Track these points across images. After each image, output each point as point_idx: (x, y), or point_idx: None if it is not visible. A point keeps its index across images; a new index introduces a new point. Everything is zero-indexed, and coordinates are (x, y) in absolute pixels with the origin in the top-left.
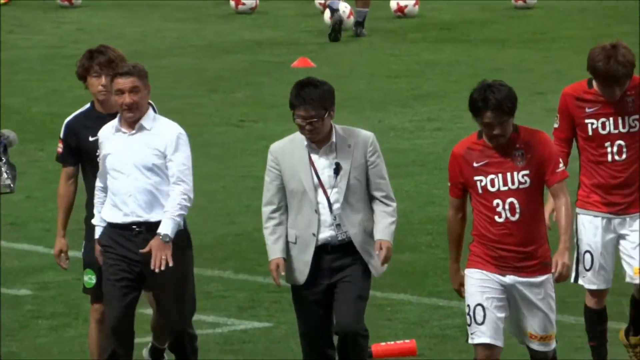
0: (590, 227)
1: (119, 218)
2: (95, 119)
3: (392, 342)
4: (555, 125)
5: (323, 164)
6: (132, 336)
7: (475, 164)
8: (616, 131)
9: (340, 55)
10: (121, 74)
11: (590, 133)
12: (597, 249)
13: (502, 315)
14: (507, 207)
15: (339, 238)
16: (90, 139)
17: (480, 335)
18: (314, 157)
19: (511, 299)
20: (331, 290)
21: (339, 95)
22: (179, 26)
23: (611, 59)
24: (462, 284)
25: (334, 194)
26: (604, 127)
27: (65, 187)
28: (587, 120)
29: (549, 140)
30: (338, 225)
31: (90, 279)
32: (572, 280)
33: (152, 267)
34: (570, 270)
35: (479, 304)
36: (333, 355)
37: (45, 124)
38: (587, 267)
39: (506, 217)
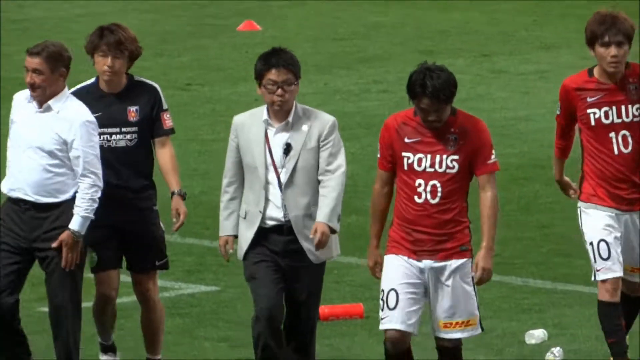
0: (598, 218)
1: (7, 188)
2: (98, 98)
3: (340, 305)
4: (557, 112)
5: (277, 142)
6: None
7: (406, 140)
8: (619, 120)
9: (285, 18)
10: (30, 53)
11: (593, 123)
12: (609, 237)
13: (416, 301)
14: (428, 188)
15: (284, 219)
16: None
17: (391, 320)
18: (270, 134)
19: (428, 286)
20: (281, 271)
21: None
22: None
23: (614, 18)
24: (377, 262)
25: (283, 174)
26: (607, 117)
27: None
28: (589, 110)
29: (486, 130)
30: (285, 206)
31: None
32: (593, 278)
33: (62, 265)
34: (491, 273)
35: (392, 289)
36: (280, 324)
37: None
38: (605, 257)
39: (426, 199)
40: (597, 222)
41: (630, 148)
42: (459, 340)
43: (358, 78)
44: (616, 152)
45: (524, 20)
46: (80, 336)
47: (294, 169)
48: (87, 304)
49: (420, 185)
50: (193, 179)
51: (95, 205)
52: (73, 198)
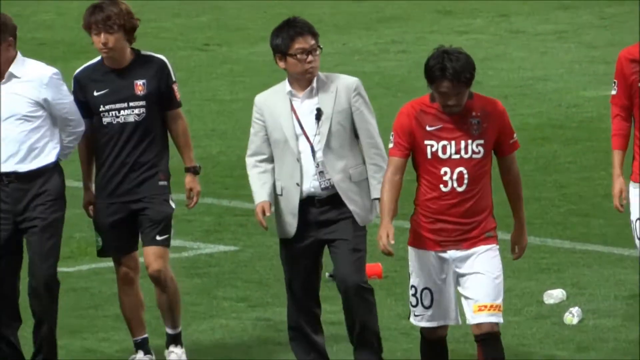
0: None
1: None
2: (104, 73)
3: None
4: (613, 92)
5: (305, 110)
6: None
7: (428, 128)
8: None
9: None
10: None
11: None
12: None
13: (449, 296)
14: (455, 176)
15: (322, 186)
16: (95, 93)
17: (428, 318)
18: (296, 104)
19: (455, 274)
20: (320, 245)
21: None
22: None
23: None
24: (388, 233)
25: (316, 141)
26: None
27: (84, 140)
28: None
29: (505, 111)
30: (321, 173)
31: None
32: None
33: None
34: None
35: (426, 288)
36: (318, 313)
37: None
38: None
39: (452, 187)
40: None
41: None
42: (497, 324)
43: (377, 38)
44: None
45: None
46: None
47: (329, 133)
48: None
49: (446, 173)
50: (211, 139)
51: (71, 149)
52: (57, 164)
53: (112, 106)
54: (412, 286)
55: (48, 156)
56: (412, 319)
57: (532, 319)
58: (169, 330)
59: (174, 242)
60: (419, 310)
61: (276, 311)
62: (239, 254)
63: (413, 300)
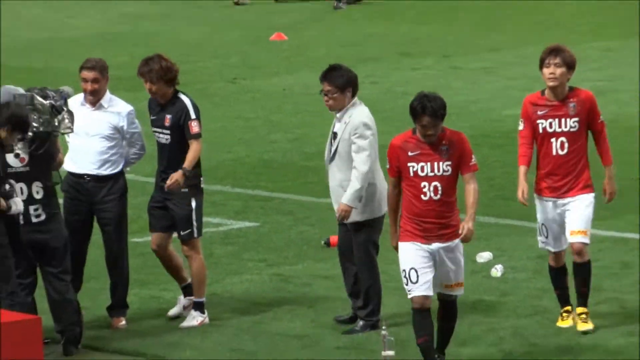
0: (540, 207)
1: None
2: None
3: None
4: (520, 128)
5: (333, 129)
6: None
7: (410, 153)
8: (560, 130)
9: None
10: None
11: (540, 131)
12: (548, 222)
13: (430, 274)
14: (431, 188)
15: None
16: (151, 117)
17: (416, 289)
18: (334, 122)
19: (436, 260)
20: None
21: None
22: None
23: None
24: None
25: (329, 155)
26: (550, 127)
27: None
28: (538, 121)
29: (467, 141)
30: (329, 178)
31: None
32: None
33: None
34: (472, 233)
35: (412, 268)
36: None
37: None
38: (546, 235)
39: (430, 197)
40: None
41: (566, 150)
42: (457, 296)
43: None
44: (554, 153)
45: (478, 27)
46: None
47: (336, 151)
48: None
49: (425, 186)
50: (239, 146)
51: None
52: (122, 172)
53: (155, 129)
54: (402, 270)
55: (117, 166)
56: (409, 295)
57: (468, 274)
58: (194, 298)
59: (213, 220)
60: (409, 286)
61: (287, 269)
62: (260, 228)
63: (404, 281)
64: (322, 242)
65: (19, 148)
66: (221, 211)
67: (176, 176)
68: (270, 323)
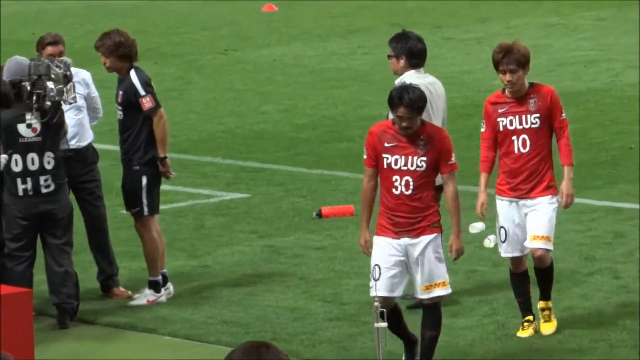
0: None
1: None
2: None
3: (337, 206)
4: (482, 130)
5: None
6: None
7: (386, 144)
8: (520, 127)
9: None
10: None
11: (501, 129)
12: (508, 224)
13: (396, 271)
14: (403, 183)
15: None
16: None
17: (376, 288)
18: None
19: (409, 258)
20: None
21: None
22: None
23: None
24: (366, 240)
25: None
26: (511, 124)
27: None
28: (498, 119)
29: (448, 138)
30: None
31: None
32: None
33: None
34: (462, 251)
35: (376, 264)
36: None
37: None
38: (503, 240)
39: (401, 191)
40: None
41: (528, 149)
42: (440, 297)
43: (348, 44)
44: (516, 151)
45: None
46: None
47: None
48: None
49: (396, 180)
50: (230, 118)
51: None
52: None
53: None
54: (371, 265)
55: (89, 136)
56: (370, 293)
57: None
58: (149, 277)
59: (204, 191)
60: (372, 283)
61: (278, 240)
62: (251, 199)
63: (370, 275)
64: (314, 213)
65: (30, 118)
66: (212, 183)
67: (162, 169)
68: (261, 295)
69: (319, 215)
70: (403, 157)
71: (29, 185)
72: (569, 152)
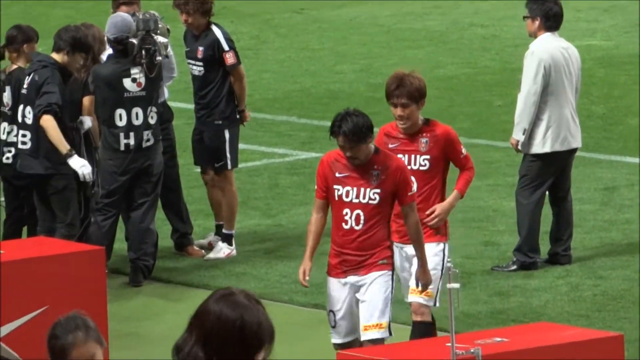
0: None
1: None
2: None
3: None
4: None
5: None
6: None
7: (337, 174)
8: (409, 167)
9: None
10: None
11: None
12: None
13: (352, 314)
14: (353, 217)
15: None
16: (185, 49)
17: (334, 336)
18: None
19: (355, 296)
20: None
21: None
22: None
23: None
24: (304, 270)
25: None
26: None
27: None
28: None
29: (405, 167)
30: None
31: None
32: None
33: None
34: (430, 281)
35: (330, 311)
36: None
37: None
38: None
39: (351, 226)
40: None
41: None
42: (380, 340)
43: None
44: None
45: None
46: None
47: None
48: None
49: (347, 214)
50: (305, 77)
51: None
52: None
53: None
54: (327, 310)
55: None
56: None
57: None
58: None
59: (279, 151)
60: (330, 329)
61: None
62: None
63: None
64: None
65: (135, 72)
66: (287, 142)
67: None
68: None
69: None
70: (355, 189)
71: (132, 140)
72: (465, 183)
